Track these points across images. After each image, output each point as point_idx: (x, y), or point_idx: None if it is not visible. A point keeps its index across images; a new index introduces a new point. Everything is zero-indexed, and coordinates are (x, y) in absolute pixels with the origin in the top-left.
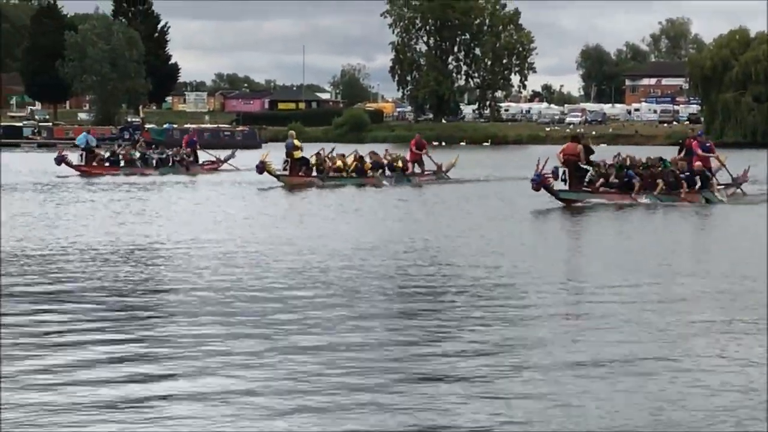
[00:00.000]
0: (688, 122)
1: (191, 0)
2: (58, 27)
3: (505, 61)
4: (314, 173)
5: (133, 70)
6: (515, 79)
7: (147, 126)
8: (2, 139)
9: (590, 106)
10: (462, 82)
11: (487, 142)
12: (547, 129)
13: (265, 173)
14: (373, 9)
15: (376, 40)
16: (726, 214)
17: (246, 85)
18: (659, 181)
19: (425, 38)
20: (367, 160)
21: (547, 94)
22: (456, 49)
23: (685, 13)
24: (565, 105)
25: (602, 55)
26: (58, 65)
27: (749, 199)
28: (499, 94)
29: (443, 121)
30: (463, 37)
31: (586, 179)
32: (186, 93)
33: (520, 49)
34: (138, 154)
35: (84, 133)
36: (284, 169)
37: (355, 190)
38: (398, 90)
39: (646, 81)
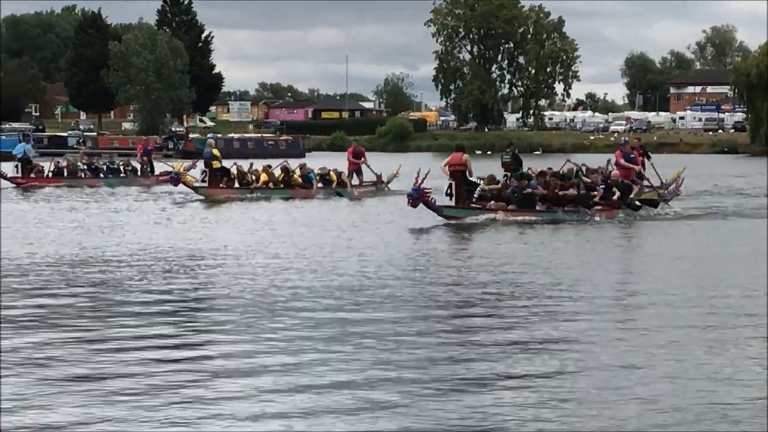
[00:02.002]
0: (733, 130)
1: (236, 10)
2: (103, 37)
3: (549, 69)
4: (236, 185)
5: (178, 80)
6: (559, 87)
7: (191, 135)
8: (48, 149)
9: (634, 114)
10: (505, 91)
11: (538, 151)
12: (591, 137)
13: (182, 185)
14: (416, 18)
15: (419, 49)
16: (637, 233)
17: (290, 94)
18: (567, 193)
19: (469, 47)
20: (297, 171)
21: (591, 103)
22: (500, 57)
23: (730, 20)
24: (609, 113)
25: (647, 63)
26: (103, 75)
27: (672, 215)
28: (542, 102)
29: (486, 129)
30: (506, 45)
31: (476, 194)
32: (230, 102)
33: (564, 57)
34: (82, 165)
35: (22, 143)
36: (203, 181)
37: (280, 203)
38: (441, 99)
39: (691, 89)
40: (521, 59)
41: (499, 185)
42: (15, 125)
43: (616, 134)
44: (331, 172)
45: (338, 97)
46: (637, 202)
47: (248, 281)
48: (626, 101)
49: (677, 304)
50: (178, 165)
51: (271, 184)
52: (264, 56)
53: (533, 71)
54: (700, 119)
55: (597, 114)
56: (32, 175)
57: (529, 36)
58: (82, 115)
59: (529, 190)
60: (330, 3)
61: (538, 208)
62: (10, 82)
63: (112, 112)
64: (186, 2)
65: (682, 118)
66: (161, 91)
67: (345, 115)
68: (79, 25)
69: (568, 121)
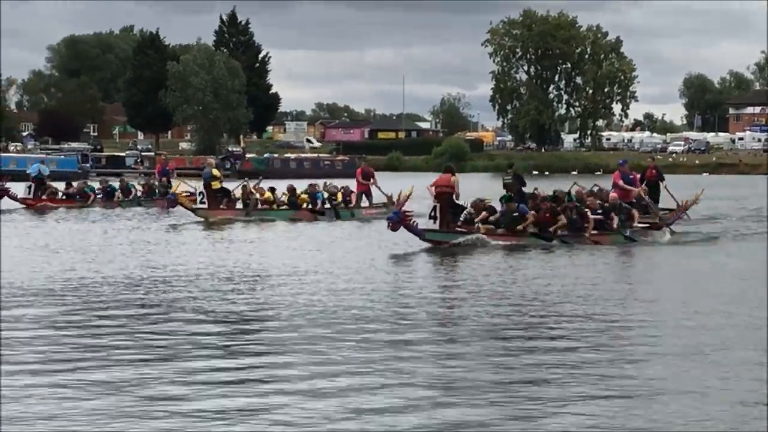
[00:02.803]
0: None
1: (292, 30)
2: (161, 58)
3: (606, 89)
4: (239, 206)
5: (235, 100)
6: (617, 107)
7: (248, 155)
8: (106, 169)
9: (693, 134)
10: (563, 111)
11: (599, 171)
12: (649, 159)
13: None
14: (473, 38)
15: (476, 69)
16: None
17: (346, 114)
18: (559, 218)
19: (526, 67)
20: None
21: (649, 123)
22: (557, 77)
23: None
24: (668, 134)
25: (705, 84)
26: (161, 95)
27: (673, 239)
28: (600, 122)
29: (543, 150)
30: (564, 65)
31: (462, 218)
32: (286, 122)
33: (622, 77)
34: (96, 186)
35: (37, 162)
36: (201, 202)
37: (283, 225)
38: (498, 119)
39: (750, 109)
40: (579, 79)
41: (487, 212)
42: (74, 145)
43: (674, 155)
44: (339, 193)
45: (395, 118)
46: (633, 229)
47: (287, 301)
48: (685, 122)
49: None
50: (175, 186)
51: (274, 206)
52: (320, 76)
53: (591, 91)
54: (759, 140)
55: (655, 134)
56: (44, 197)
57: (587, 56)
58: (140, 135)
59: (517, 213)
60: (386, 23)
61: (530, 231)
62: (68, 102)
63: (169, 132)
64: (243, 23)
65: (741, 138)
66: (219, 111)
67: (401, 135)
68: (137, 46)
69: (625, 141)
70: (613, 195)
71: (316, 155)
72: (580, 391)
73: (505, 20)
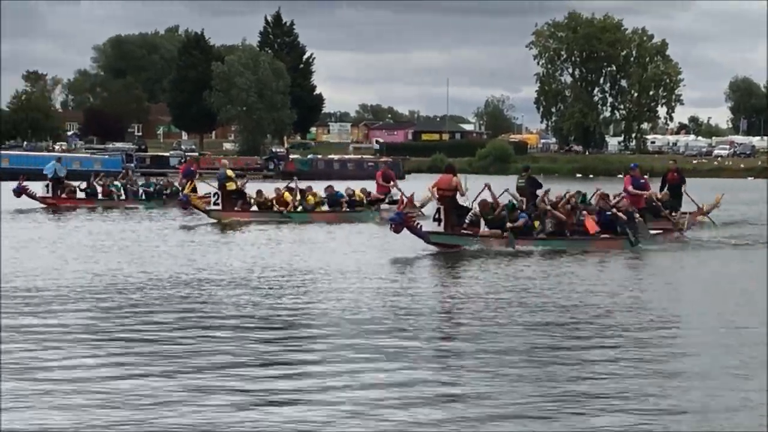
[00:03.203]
0: None
1: (337, 32)
2: (206, 58)
3: (651, 92)
4: (255, 208)
5: (279, 101)
6: (662, 110)
7: (291, 156)
8: (150, 169)
9: (738, 138)
10: (607, 114)
11: (646, 175)
12: (694, 162)
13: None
14: (518, 41)
15: (520, 71)
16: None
17: (390, 115)
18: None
19: (570, 69)
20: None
21: (694, 127)
22: (602, 80)
23: None
24: (713, 137)
25: (751, 87)
26: (205, 96)
27: (681, 247)
28: (645, 126)
29: (586, 153)
30: (609, 68)
31: (467, 219)
32: (330, 123)
33: (667, 80)
34: (119, 185)
35: (53, 161)
36: (215, 203)
37: (300, 227)
38: (542, 121)
39: None
40: (624, 82)
41: (495, 212)
42: (118, 145)
43: (719, 158)
44: (358, 191)
45: (438, 119)
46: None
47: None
48: (730, 125)
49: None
50: (188, 187)
51: (290, 207)
52: (364, 78)
53: (636, 94)
54: None
55: (700, 138)
56: (63, 195)
57: (632, 59)
58: (184, 135)
59: (520, 222)
60: (432, 26)
61: (537, 235)
62: (114, 102)
63: (213, 133)
64: (288, 24)
65: None
66: (262, 112)
67: (445, 137)
68: (182, 46)
69: (670, 144)
70: (624, 202)
71: (359, 156)
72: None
73: (550, 22)
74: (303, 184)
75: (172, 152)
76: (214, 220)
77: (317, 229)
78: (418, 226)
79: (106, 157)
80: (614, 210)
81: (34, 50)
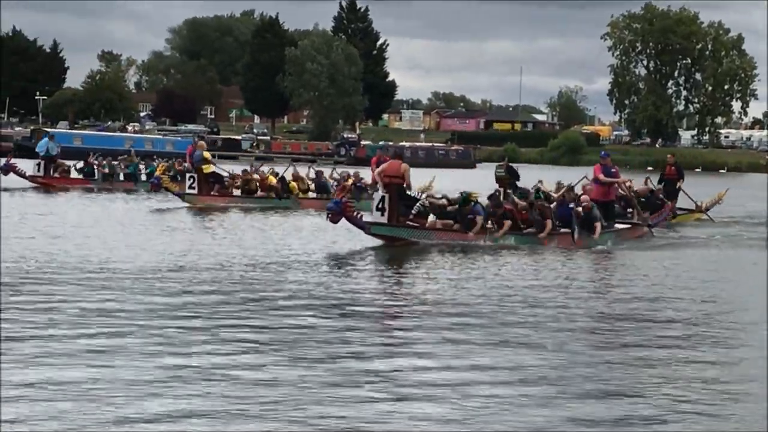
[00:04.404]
0: None
1: (412, 19)
2: (279, 42)
3: (726, 86)
4: (237, 193)
5: (351, 87)
6: (736, 105)
7: (363, 142)
8: (221, 151)
9: None
10: (681, 107)
11: (698, 168)
12: (767, 157)
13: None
14: (593, 32)
15: (595, 62)
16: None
17: (462, 104)
18: (506, 221)
19: (645, 62)
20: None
21: None
22: (676, 73)
23: None
24: None
25: None
26: (278, 80)
27: (648, 244)
28: (719, 120)
29: (657, 145)
30: (684, 61)
31: (414, 210)
32: (402, 111)
33: (743, 75)
34: (121, 166)
35: (45, 138)
36: (191, 187)
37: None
38: (615, 113)
39: None
40: (698, 76)
41: (443, 201)
42: (190, 127)
43: None
44: (350, 180)
45: (511, 109)
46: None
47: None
48: None
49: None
50: (160, 169)
51: (272, 193)
52: (438, 66)
53: (710, 88)
54: None
55: None
56: (56, 175)
57: (707, 52)
58: (256, 119)
59: (471, 216)
60: (507, 15)
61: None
62: (187, 83)
63: (285, 117)
64: (362, 10)
65: None
66: (334, 97)
67: (517, 126)
68: (256, 30)
69: (744, 139)
70: (584, 198)
71: (430, 144)
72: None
73: (626, 14)
74: (293, 169)
75: (244, 136)
76: (188, 204)
77: (299, 216)
78: (359, 216)
79: (179, 138)
80: (576, 210)
81: (111, 31)
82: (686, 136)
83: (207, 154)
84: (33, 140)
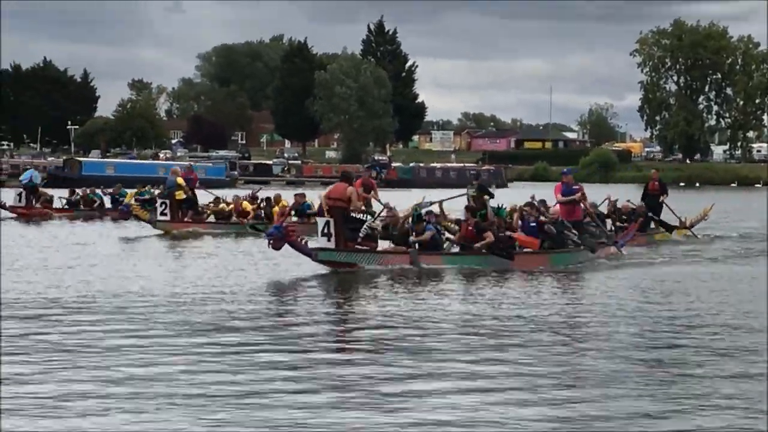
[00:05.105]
0: None
1: (439, 39)
2: (309, 66)
3: (757, 100)
4: (213, 219)
5: (381, 109)
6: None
7: (394, 164)
8: (253, 177)
9: None
10: (712, 122)
11: (734, 183)
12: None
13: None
14: (622, 48)
15: (624, 79)
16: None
17: (492, 123)
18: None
19: (675, 77)
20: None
21: None
22: (707, 88)
23: None
24: None
25: None
26: (308, 104)
27: (611, 264)
28: (750, 134)
29: (687, 161)
30: (714, 76)
31: (361, 233)
32: (432, 131)
33: None
34: (100, 194)
35: (31, 169)
36: (162, 213)
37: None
38: (646, 129)
39: None
40: (729, 90)
41: (396, 218)
42: (221, 153)
43: None
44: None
45: (541, 128)
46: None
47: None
48: None
49: None
50: (129, 196)
51: (250, 218)
52: (467, 85)
53: (741, 102)
54: None
55: None
56: (37, 205)
57: (738, 67)
58: (287, 143)
59: (426, 234)
60: (535, 34)
61: (450, 250)
62: (217, 110)
63: (316, 141)
64: (391, 32)
65: None
66: (364, 120)
67: (548, 145)
68: (285, 55)
69: None
70: (554, 209)
71: (461, 164)
72: None
73: (655, 30)
74: (271, 192)
75: (275, 160)
76: (161, 231)
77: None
78: (303, 241)
79: (210, 165)
80: (540, 220)
81: (141, 57)
82: (718, 151)
83: (180, 180)
84: (66, 170)
